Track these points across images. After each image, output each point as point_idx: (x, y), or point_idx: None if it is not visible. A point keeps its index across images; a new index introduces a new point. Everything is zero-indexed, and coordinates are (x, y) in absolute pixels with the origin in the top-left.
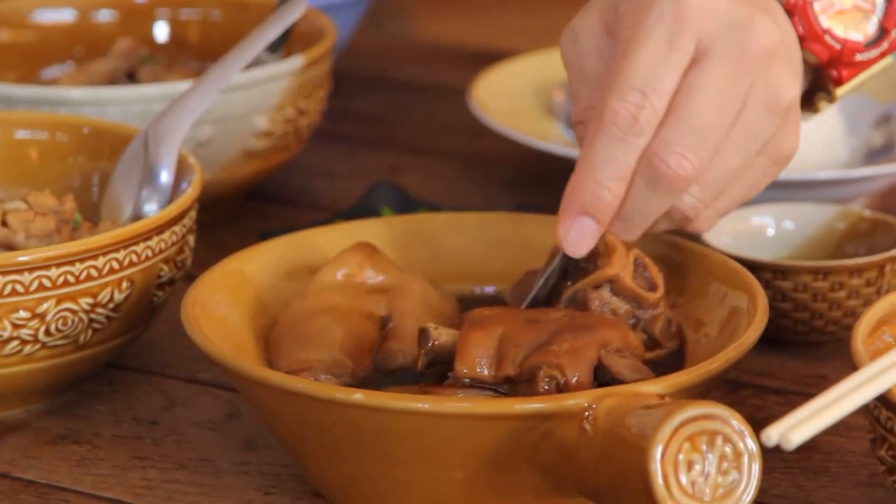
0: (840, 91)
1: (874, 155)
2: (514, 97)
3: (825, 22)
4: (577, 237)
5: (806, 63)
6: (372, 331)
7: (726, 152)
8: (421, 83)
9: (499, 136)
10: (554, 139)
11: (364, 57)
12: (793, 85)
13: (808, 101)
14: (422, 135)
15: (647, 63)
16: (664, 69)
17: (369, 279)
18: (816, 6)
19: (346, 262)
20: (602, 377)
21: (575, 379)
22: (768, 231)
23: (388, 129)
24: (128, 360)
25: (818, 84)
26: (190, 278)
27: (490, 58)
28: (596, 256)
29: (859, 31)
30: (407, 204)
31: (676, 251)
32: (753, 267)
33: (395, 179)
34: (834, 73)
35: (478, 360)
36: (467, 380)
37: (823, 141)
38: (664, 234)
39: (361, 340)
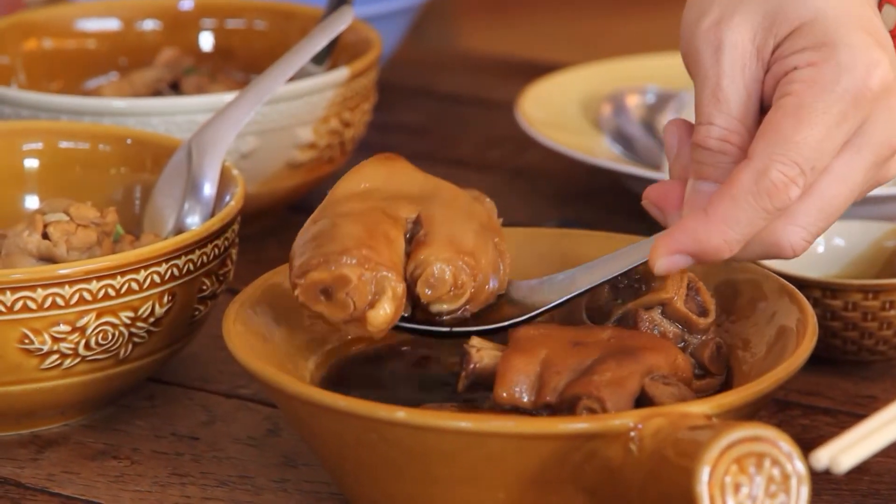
0: None
1: None
2: (561, 110)
3: None
4: (671, 266)
5: None
6: (394, 231)
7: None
8: (466, 95)
9: (545, 149)
10: (601, 153)
11: (408, 68)
12: None
13: None
14: (466, 147)
15: (816, 140)
16: (828, 149)
17: (394, 188)
18: None
19: (367, 174)
20: (645, 406)
21: (615, 411)
22: (818, 248)
23: (433, 141)
24: (168, 375)
25: None
26: (232, 292)
27: (535, 69)
28: (650, 277)
29: None
30: None
31: (724, 269)
32: (802, 285)
33: None
34: None
35: (518, 387)
36: (507, 405)
37: None
38: None
39: (384, 236)
